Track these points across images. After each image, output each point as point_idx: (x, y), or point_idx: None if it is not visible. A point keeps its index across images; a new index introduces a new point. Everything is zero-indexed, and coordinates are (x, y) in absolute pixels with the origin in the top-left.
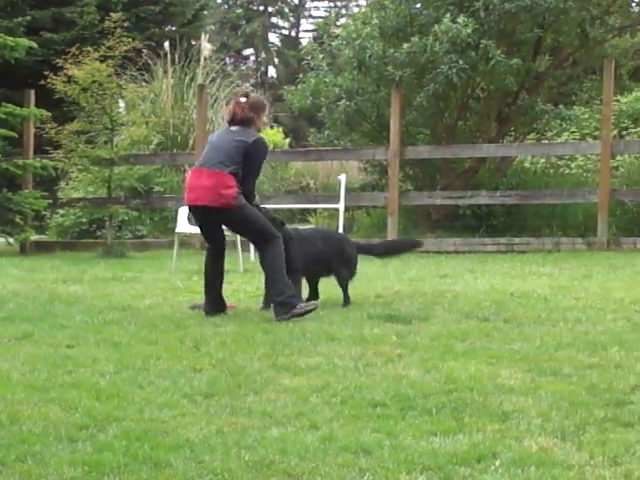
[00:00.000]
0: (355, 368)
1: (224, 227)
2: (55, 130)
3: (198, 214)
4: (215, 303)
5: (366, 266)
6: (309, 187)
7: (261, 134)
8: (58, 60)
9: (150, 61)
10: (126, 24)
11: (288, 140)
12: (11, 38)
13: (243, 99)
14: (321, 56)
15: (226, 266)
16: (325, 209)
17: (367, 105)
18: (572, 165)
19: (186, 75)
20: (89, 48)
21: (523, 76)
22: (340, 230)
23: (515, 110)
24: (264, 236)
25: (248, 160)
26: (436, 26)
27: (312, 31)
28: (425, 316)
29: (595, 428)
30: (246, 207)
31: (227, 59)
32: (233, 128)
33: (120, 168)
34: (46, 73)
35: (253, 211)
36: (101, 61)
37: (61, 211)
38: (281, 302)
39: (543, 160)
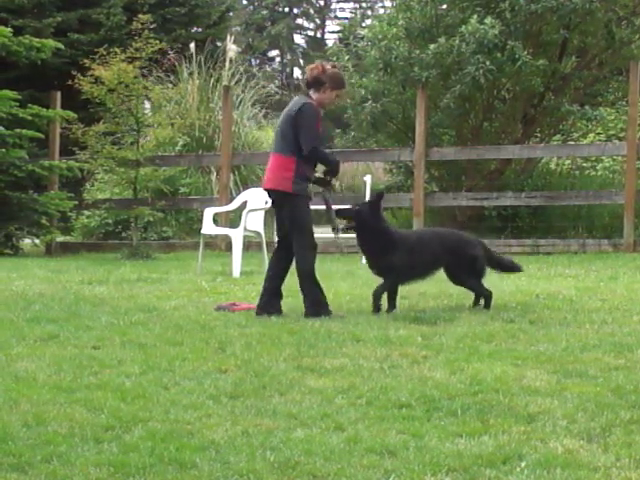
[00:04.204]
0: (380, 369)
1: (250, 227)
2: (81, 131)
3: (269, 196)
4: (266, 304)
5: None
6: (334, 188)
7: (312, 102)
8: (85, 61)
9: (176, 62)
10: (152, 26)
11: None
12: (37, 39)
13: (328, 65)
14: (347, 57)
15: (250, 267)
16: None
17: (393, 106)
18: (598, 166)
19: (211, 76)
20: (116, 49)
21: (549, 77)
22: None
23: (541, 111)
24: (300, 240)
25: (297, 128)
26: (463, 27)
27: (337, 32)
28: (450, 317)
29: (621, 430)
30: (302, 200)
31: (252, 60)
32: (292, 101)
33: (146, 169)
34: (73, 73)
35: (306, 210)
36: (128, 62)
37: (87, 212)
38: (315, 311)
39: (569, 161)
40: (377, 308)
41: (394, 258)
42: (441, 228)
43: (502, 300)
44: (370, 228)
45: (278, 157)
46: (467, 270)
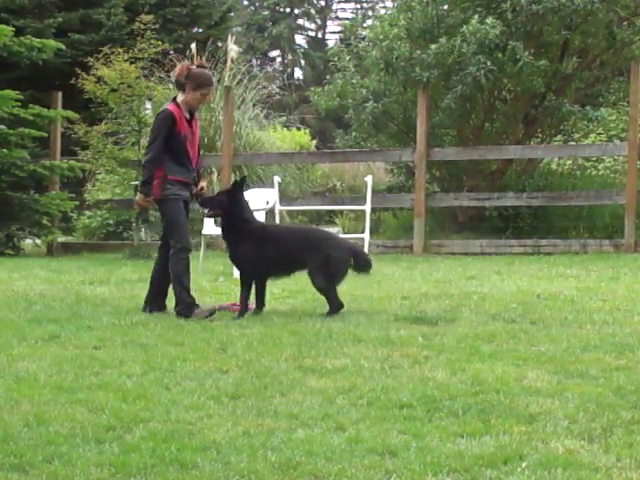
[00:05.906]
0: (381, 370)
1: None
2: (83, 131)
3: None
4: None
5: (392, 267)
6: (335, 189)
7: (169, 107)
8: (89, 59)
9: (177, 63)
10: (154, 26)
11: (314, 142)
12: (38, 40)
13: (193, 66)
14: (348, 57)
15: None
16: (351, 210)
17: (394, 107)
18: (599, 166)
19: (213, 77)
20: (118, 49)
21: (550, 77)
22: (366, 232)
23: (542, 111)
24: (172, 242)
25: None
26: (464, 27)
27: (339, 32)
28: (452, 318)
29: (622, 430)
30: (169, 202)
31: (253, 61)
32: None
33: None
34: (78, 72)
35: (174, 211)
36: (131, 62)
37: (88, 212)
38: (180, 311)
39: (570, 162)
40: (245, 308)
41: (242, 248)
42: (308, 227)
43: (503, 300)
44: (231, 215)
45: None
46: (320, 269)
